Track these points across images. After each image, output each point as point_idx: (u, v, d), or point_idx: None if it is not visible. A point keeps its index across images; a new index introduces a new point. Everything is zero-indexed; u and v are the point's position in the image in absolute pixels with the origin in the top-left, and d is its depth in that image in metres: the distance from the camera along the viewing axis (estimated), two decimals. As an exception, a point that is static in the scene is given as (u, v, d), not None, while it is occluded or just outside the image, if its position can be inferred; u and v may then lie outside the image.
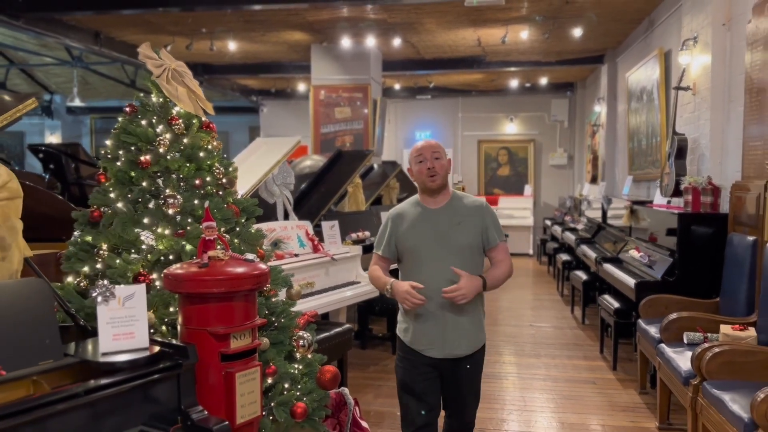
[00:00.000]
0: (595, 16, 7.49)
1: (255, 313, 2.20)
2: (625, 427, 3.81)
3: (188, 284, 2.05)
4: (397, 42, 8.89)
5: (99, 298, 1.95)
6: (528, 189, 13.26)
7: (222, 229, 2.56)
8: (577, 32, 8.10)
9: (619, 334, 4.88)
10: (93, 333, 2.12)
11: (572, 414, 4.02)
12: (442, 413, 2.82)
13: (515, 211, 12.74)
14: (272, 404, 2.49)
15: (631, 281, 4.64)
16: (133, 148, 2.58)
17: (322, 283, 4.26)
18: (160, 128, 2.59)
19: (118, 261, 2.45)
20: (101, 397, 1.79)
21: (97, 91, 13.07)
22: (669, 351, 3.56)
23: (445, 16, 7.62)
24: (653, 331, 3.92)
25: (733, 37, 4.71)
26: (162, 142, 2.56)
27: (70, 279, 2.54)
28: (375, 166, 8.11)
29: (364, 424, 3.08)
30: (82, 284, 2.51)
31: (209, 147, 2.68)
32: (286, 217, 4.55)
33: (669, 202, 5.35)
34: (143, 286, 2.03)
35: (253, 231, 2.80)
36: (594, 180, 10.27)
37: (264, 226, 3.76)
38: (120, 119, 2.63)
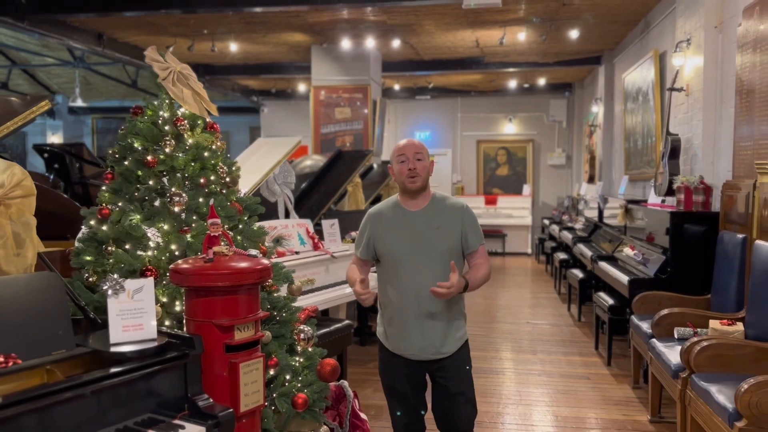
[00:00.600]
0: (592, 17, 7.59)
1: (258, 307, 2.29)
2: (618, 420, 3.91)
3: (194, 278, 2.14)
4: (396, 43, 8.99)
5: (109, 291, 2.04)
6: (526, 189, 13.35)
7: (225, 226, 2.65)
8: (574, 34, 8.20)
9: (613, 330, 4.98)
10: (102, 325, 2.21)
11: (566, 408, 4.12)
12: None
13: (514, 210, 12.83)
14: (274, 395, 2.58)
15: (624, 278, 4.74)
16: (140, 148, 2.67)
17: (322, 280, 4.36)
18: (166, 129, 2.68)
19: (126, 256, 2.54)
20: (112, 386, 1.88)
21: (99, 91, 13.16)
22: (660, 345, 3.65)
23: (444, 17, 7.71)
24: (645, 326, 4.01)
25: (725, 40, 4.81)
26: (168, 142, 2.65)
27: (78, 273, 2.63)
28: (374, 165, 8.21)
29: (363, 416, 3.17)
30: (90, 279, 2.60)
31: (213, 147, 2.77)
32: (287, 215, 4.65)
33: (663, 201, 5.45)
34: (151, 279, 2.13)
35: (255, 228, 2.89)
36: (591, 180, 10.36)
37: (265, 224, 3.85)
38: (127, 120, 2.72)
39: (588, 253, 6.41)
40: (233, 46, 9.10)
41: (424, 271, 2.57)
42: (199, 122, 2.78)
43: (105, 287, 2.04)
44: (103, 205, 2.69)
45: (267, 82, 12.72)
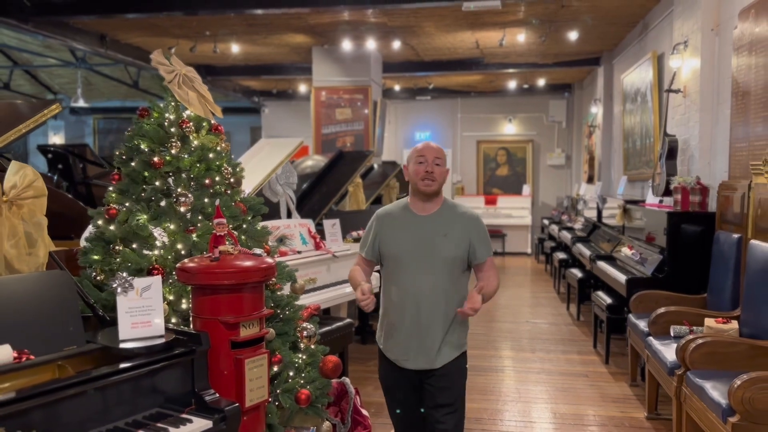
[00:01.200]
0: (591, 19, 7.65)
1: (262, 304, 2.35)
2: (616, 416, 3.97)
3: (201, 276, 2.20)
4: (396, 44, 9.05)
5: (119, 289, 2.10)
6: (526, 189, 13.41)
7: (230, 226, 2.71)
8: (573, 35, 8.26)
9: (611, 329, 5.03)
10: (110, 323, 2.27)
11: (565, 405, 4.18)
12: None
13: (514, 210, 12.89)
14: (278, 391, 2.64)
15: (622, 278, 4.79)
16: (146, 149, 2.73)
17: (324, 279, 4.42)
18: (172, 130, 2.74)
19: (133, 256, 2.60)
20: (121, 381, 1.93)
21: (100, 91, 13.22)
22: (656, 343, 3.71)
23: (444, 19, 7.78)
24: (642, 325, 4.07)
25: (721, 42, 4.87)
26: (174, 144, 2.71)
27: (86, 272, 2.69)
28: (375, 166, 8.27)
29: (364, 412, 3.24)
30: (98, 278, 2.66)
31: (218, 148, 2.83)
32: (289, 215, 4.71)
33: (661, 201, 5.50)
34: (159, 278, 2.19)
35: (258, 228, 2.95)
36: (590, 180, 10.42)
37: (268, 224, 3.91)
38: (134, 122, 2.78)
39: (587, 252, 6.47)
40: (235, 48, 9.16)
41: (425, 277, 2.55)
42: (204, 124, 2.84)
43: (114, 285, 2.10)
44: (111, 205, 2.75)
45: (268, 83, 12.78)
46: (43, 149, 6.34)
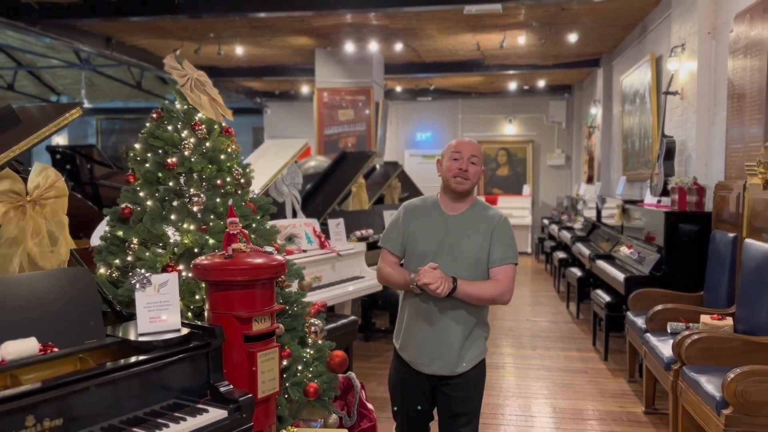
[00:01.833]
0: (590, 21, 7.74)
1: (273, 300, 2.44)
2: (614, 411, 4.06)
3: (215, 273, 2.29)
4: (398, 46, 9.14)
5: (137, 285, 2.20)
6: (526, 189, 13.49)
7: (241, 225, 2.80)
8: (573, 37, 8.34)
9: (610, 326, 5.13)
10: (127, 318, 2.37)
11: (564, 400, 4.27)
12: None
13: (514, 210, 12.97)
14: (287, 384, 2.73)
15: (621, 276, 4.89)
16: (160, 151, 2.82)
17: (329, 278, 4.51)
18: (184, 133, 2.84)
19: (147, 254, 2.69)
20: (139, 372, 2.02)
21: (103, 92, 13.31)
22: (653, 340, 3.81)
23: (445, 22, 7.87)
24: (640, 322, 4.16)
25: (718, 45, 4.96)
26: (186, 146, 2.80)
27: (102, 270, 2.78)
28: (377, 166, 8.36)
29: (369, 406, 3.32)
30: (113, 275, 2.76)
31: (229, 150, 2.92)
32: (294, 215, 4.80)
33: (659, 201, 5.60)
34: (176, 274, 2.28)
35: (267, 227, 3.04)
36: (590, 180, 10.51)
37: (275, 223, 4.01)
38: (147, 124, 2.88)
39: (586, 252, 6.56)
40: (239, 50, 9.25)
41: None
42: (215, 127, 2.93)
43: (133, 281, 2.19)
44: (125, 204, 2.85)
45: (270, 84, 12.87)
46: (52, 150, 6.44)
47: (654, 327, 3.96)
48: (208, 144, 2.87)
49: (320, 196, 5.83)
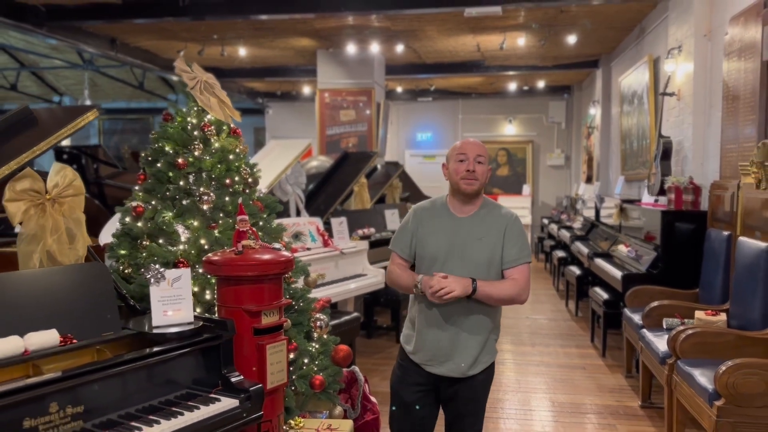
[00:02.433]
0: (589, 23, 7.83)
1: (281, 295, 2.53)
2: (611, 405, 4.16)
3: (226, 268, 2.38)
4: (399, 48, 9.24)
5: (152, 280, 2.29)
6: (526, 189, 13.57)
7: (249, 223, 2.90)
8: (572, 39, 8.43)
9: (608, 323, 5.22)
10: (141, 312, 2.46)
11: (563, 394, 4.37)
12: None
13: (514, 210, 12.89)
14: (294, 377, 2.83)
15: (618, 274, 4.98)
16: (170, 151, 2.92)
17: (332, 275, 4.61)
18: (194, 134, 2.93)
19: (158, 250, 2.79)
20: (154, 363, 2.11)
21: (105, 92, 13.39)
22: (649, 335, 3.90)
23: (446, 24, 7.96)
24: (637, 318, 4.25)
25: (713, 48, 5.06)
26: (196, 146, 2.90)
27: (114, 266, 2.88)
28: (378, 166, 8.45)
29: (373, 399, 3.43)
30: (126, 271, 2.85)
31: (237, 150, 3.02)
32: (298, 213, 4.90)
33: (656, 200, 5.69)
34: (188, 270, 2.38)
35: (274, 225, 3.14)
36: (589, 180, 10.60)
37: (280, 222, 4.10)
38: (159, 125, 2.97)
39: (585, 250, 6.66)
40: (242, 51, 9.34)
41: None
42: (224, 128, 3.03)
43: (148, 276, 2.29)
44: (137, 203, 2.94)
45: (272, 85, 12.96)
46: (59, 150, 6.53)
47: (650, 323, 4.05)
48: (217, 144, 2.97)
49: (323, 195, 5.93)
